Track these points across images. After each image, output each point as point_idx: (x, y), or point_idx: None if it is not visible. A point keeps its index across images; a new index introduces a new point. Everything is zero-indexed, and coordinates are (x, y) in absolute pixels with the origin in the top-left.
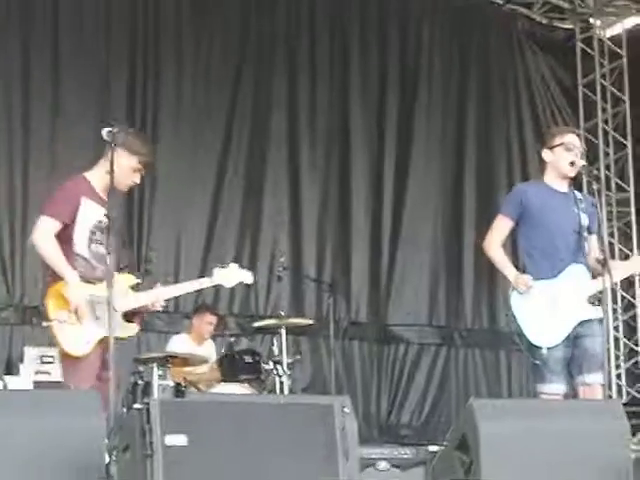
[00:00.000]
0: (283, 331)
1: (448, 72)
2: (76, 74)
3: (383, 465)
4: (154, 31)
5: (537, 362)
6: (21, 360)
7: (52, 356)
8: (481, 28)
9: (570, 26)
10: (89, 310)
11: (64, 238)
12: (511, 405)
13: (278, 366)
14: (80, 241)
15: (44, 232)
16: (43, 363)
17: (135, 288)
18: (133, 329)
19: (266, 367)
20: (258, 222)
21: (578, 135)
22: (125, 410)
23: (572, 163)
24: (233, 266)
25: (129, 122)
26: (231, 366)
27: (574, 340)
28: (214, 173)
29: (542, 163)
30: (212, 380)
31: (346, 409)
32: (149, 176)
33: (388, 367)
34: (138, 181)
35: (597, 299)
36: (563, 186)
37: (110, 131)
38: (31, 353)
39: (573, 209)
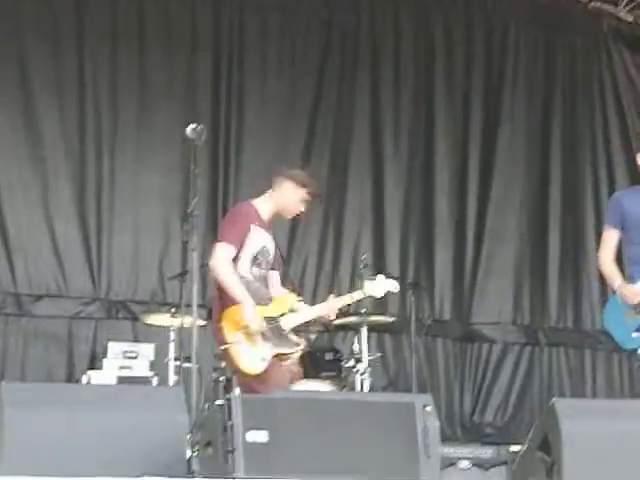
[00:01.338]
0: (364, 329)
1: (533, 75)
2: (164, 73)
3: (464, 464)
4: (238, 26)
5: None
6: (104, 355)
7: (135, 351)
8: (566, 28)
9: None
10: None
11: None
12: (594, 405)
13: (359, 364)
14: (244, 264)
15: (223, 259)
16: (126, 358)
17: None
18: (300, 344)
19: (347, 365)
20: (341, 218)
21: None
22: (207, 406)
23: None
24: (380, 277)
25: (213, 116)
26: (312, 363)
27: None
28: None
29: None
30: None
31: (428, 407)
32: (233, 169)
33: (471, 366)
34: (303, 209)
35: None
36: None
37: (194, 129)
38: (115, 348)
39: None
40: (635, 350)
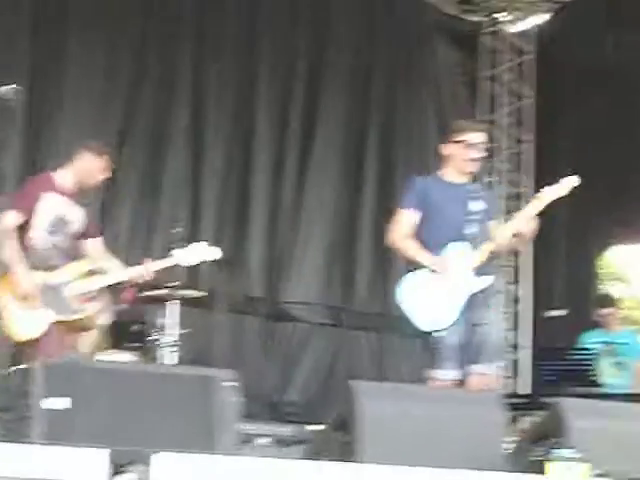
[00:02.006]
0: (174, 302)
1: (355, 60)
2: None
3: (263, 441)
4: None
5: (430, 347)
6: None
7: None
8: (390, 18)
9: (478, 19)
10: (39, 295)
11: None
12: (392, 388)
13: (165, 337)
14: (37, 232)
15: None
16: None
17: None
18: (84, 311)
19: (153, 337)
20: (158, 189)
21: (481, 131)
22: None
23: (472, 159)
24: (196, 245)
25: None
26: (118, 334)
27: (467, 325)
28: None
29: (442, 156)
30: (100, 346)
31: (227, 383)
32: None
33: (279, 344)
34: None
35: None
36: (461, 179)
37: (9, 90)
38: None
39: (469, 199)
40: (430, 333)
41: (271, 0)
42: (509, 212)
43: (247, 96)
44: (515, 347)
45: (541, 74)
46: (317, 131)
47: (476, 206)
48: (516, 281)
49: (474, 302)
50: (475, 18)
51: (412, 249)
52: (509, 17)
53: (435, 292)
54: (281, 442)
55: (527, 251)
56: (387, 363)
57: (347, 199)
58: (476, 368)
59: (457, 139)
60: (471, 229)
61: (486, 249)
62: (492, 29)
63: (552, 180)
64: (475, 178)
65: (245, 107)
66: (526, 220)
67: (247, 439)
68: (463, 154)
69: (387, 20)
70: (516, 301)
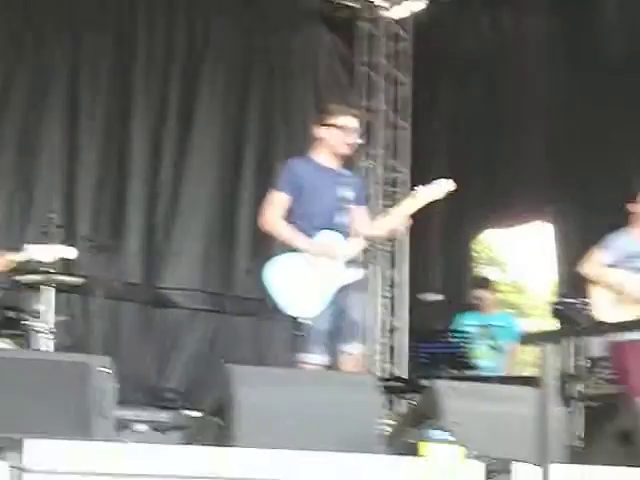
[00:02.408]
0: (50, 289)
1: (233, 44)
2: None
3: (141, 427)
4: None
5: (297, 332)
6: None
7: None
8: (267, 2)
9: (356, 5)
10: None
11: None
12: (269, 373)
13: (42, 324)
14: None
15: None
16: None
17: None
18: None
19: (29, 323)
20: (32, 174)
21: (355, 116)
22: None
23: (345, 143)
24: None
25: None
26: None
27: (336, 309)
28: None
29: (315, 139)
30: None
31: (104, 369)
32: None
33: (158, 331)
34: None
35: (357, 261)
36: (333, 163)
37: None
38: None
39: (339, 185)
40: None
41: None
42: (386, 198)
43: (123, 81)
44: (392, 331)
45: (418, 60)
46: (195, 118)
47: (346, 193)
48: (393, 266)
49: (344, 289)
50: (352, 4)
51: (285, 231)
52: (385, 3)
53: (305, 278)
54: (159, 428)
55: (404, 236)
56: (266, 348)
57: (226, 185)
58: (344, 348)
59: (329, 122)
60: (341, 218)
61: (357, 242)
62: (369, 15)
63: (427, 166)
64: (352, 163)
65: (122, 93)
66: (399, 218)
67: (124, 425)
68: (335, 138)
69: (265, 6)
70: (393, 286)
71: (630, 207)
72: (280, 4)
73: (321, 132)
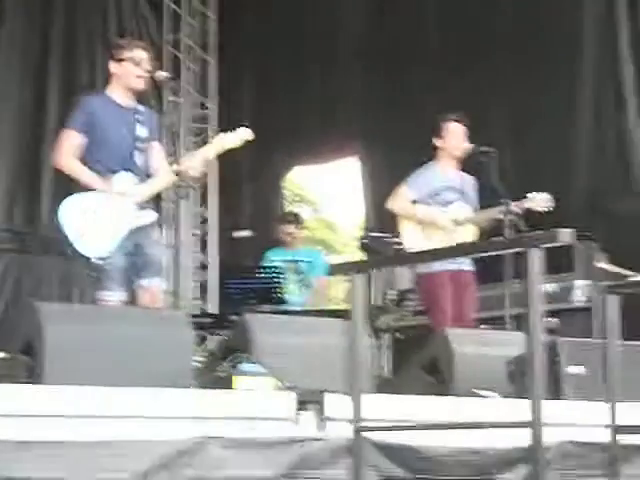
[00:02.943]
0: None
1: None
2: None
3: None
4: None
5: (91, 273)
6: None
7: None
8: None
9: None
10: None
11: None
12: (76, 310)
13: None
14: None
15: None
16: None
17: None
18: None
19: None
20: None
21: (143, 48)
22: None
23: (136, 75)
24: None
25: None
26: None
27: (133, 247)
28: None
29: (110, 75)
30: None
31: None
32: None
33: None
34: None
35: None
36: (128, 99)
37: None
38: None
39: (133, 122)
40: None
41: None
42: (196, 135)
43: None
44: (204, 268)
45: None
46: None
47: (142, 132)
48: (203, 203)
49: (138, 230)
50: None
51: (77, 170)
52: None
53: (97, 218)
54: None
55: (214, 173)
56: (74, 287)
57: (29, 124)
58: (141, 283)
59: (119, 57)
60: (138, 158)
61: (156, 182)
62: None
63: (236, 102)
64: (160, 99)
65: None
66: (200, 162)
67: None
68: (126, 71)
69: None
70: (203, 223)
71: (435, 142)
72: None
73: (113, 67)
